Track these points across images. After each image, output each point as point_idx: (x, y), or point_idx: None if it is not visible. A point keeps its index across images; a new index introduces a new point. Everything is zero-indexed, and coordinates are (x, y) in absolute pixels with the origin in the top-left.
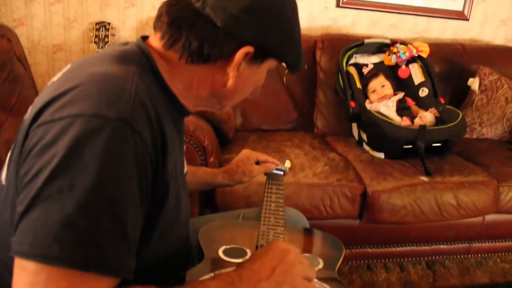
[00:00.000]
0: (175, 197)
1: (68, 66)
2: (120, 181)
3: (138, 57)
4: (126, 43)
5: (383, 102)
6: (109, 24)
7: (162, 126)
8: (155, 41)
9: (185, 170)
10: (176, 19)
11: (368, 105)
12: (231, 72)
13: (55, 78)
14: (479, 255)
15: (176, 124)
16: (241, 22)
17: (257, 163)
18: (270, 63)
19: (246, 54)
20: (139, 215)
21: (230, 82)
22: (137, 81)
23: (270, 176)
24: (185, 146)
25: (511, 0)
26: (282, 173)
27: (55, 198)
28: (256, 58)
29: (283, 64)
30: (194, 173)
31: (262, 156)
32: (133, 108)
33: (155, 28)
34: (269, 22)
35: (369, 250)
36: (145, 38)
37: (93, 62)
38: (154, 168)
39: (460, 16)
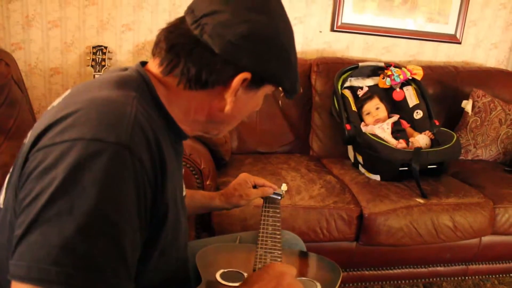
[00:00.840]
0: (174, 220)
1: (68, 91)
2: (119, 204)
3: (138, 82)
4: (125, 69)
5: (378, 124)
6: (106, 48)
7: (161, 150)
8: (154, 66)
9: (184, 193)
10: (174, 45)
11: (363, 128)
12: (229, 98)
13: (55, 103)
14: (477, 277)
15: (174, 147)
16: (238, 49)
17: (255, 187)
18: (267, 89)
19: (244, 80)
20: (138, 238)
21: (227, 108)
22: (137, 106)
23: (267, 199)
24: (183, 170)
25: (501, 24)
26: (279, 197)
27: (54, 221)
28: (254, 84)
29: (280, 89)
30: (191, 197)
31: (260, 180)
32: (133, 133)
33: (154, 54)
34: (267, 49)
35: (367, 272)
36: (144, 63)
37: (92, 87)
38: (153, 191)
39: (452, 39)
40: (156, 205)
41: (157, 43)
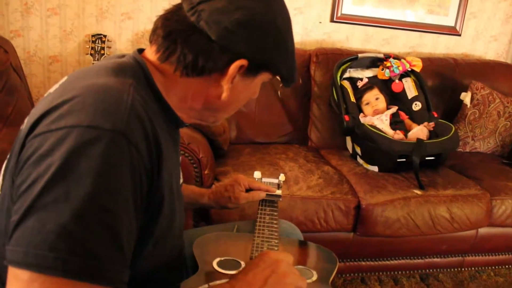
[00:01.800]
0: (169, 208)
1: (65, 78)
2: (116, 191)
3: (134, 69)
4: (123, 56)
5: (377, 116)
6: (105, 36)
7: (158, 138)
8: (151, 54)
9: (180, 181)
10: (171, 32)
11: (362, 119)
12: (225, 85)
13: (51, 90)
14: (473, 268)
15: (171, 135)
16: (235, 36)
17: (249, 190)
18: (264, 76)
19: (240, 67)
20: (133, 225)
21: (224, 95)
22: (133, 93)
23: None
24: (180, 158)
25: (501, 16)
26: (278, 198)
27: (50, 207)
28: (250, 71)
29: (277, 77)
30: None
31: (255, 184)
32: (129, 120)
33: (151, 41)
34: (263, 36)
35: (363, 263)
36: (141, 50)
37: (89, 74)
38: (149, 178)
39: (452, 31)
40: (152, 192)
41: (154, 30)
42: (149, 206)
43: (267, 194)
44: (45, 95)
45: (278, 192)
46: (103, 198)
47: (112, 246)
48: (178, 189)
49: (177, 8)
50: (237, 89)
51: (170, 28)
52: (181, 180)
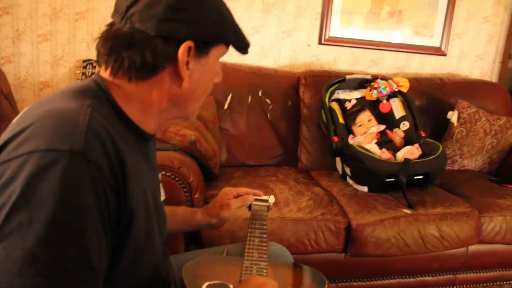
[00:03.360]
0: (146, 223)
1: (26, 108)
2: (80, 211)
3: (94, 90)
4: (84, 79)
5: (365, 135)
6: (96, 62)
7: (121, 154)
8: (104, 73)
9: (162, 197)
10: (112, 47)
11: (351, 140)
12: (182, 72)
13: (14, 120)
14: (465, 286)
15: (141, 150)
16: (170, 23)
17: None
18: (218, 51)
19: (189, 49)
20: (103, 243)
21: (184, 82)
22: (91, 113)
23: (254, 211)
24: (160, 176)
25: (485, 37)
26: (265, 204)
27: (15, 233)
28: (200, 50)
29: (231, 46)
30: (173, 211)
31: (242, 190)
32: (87, 139)
33: (99, 64)
34: (197, 12)
35: (355, 283)
36: None
37: (49, 101)
38: (116, 195)
39: (438, 52)
40: (121, 208)
41: (98, 53)
42: (120, 222)
43: (255, 199)
44: (10, 124)
45: (265, 197)
46: (67, 218)
47: (82, 265)
48: (157, 205)
49: (110, 26)
50: (195, 73)
51: (109, 45)
52: (163, 197)
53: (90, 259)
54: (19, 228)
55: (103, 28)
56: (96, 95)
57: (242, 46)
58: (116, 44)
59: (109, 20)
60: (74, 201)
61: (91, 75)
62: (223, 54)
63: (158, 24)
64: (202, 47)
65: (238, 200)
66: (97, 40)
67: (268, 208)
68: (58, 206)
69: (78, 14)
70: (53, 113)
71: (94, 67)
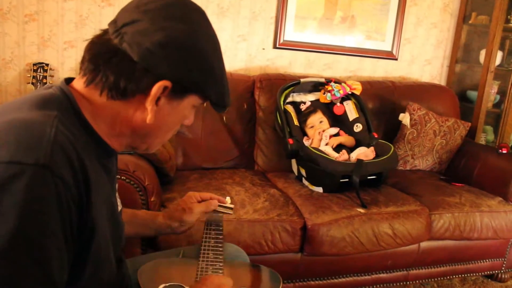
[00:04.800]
0: (104, 237)
1: None
2: (42, 225)
3: (60, 100)
4: (50, 87)
5: (319, 137)
6: (47, 65)
7: (85, 168)
8: (79, 80)
9: (119, 208)
10: (94, 55)
11: (306, 142)
12: (149, 106)
13: None
14: (417, 281)
15: (103, 164)
16: (156, 57)
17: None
18: (193, 100)
19: (164, 88)
20: (64, 257)
21: (149, 117)
22: (57, 125)
23: (210, 215)
24: (120, 186)
25: (433, 42)
26: (229, 212)
27: None
28: (175, 93)
29: (207, 101)
30: (133, 215)
31: (205, 195)
32: (52, 153)
33: (80, 68)
34: (185, 57)
35: (312, 282)
36: (69, 80)
37: (12, 109)
38: (78, 208)
39: (389, 56)
40: (83, 221)
41: (83, 56)
42: (81, 236)
43: (219, 205)
44: None
45: (230, 205)
46: (30, 233)
47: (43, 280)
48: (115, 218)
49: (103, 33)
50: (163, 112)
51: (94, 52)
52: (120, 207)
53: (51, 273)
54: None
55: (54, 31)
56: (61, 106)
57: (220, 104)
58: (99, 53)
59: (60, 23)
60: (37, 215)
61: (42, 79)
62: (198, 103)
63: (143, 53)
64: (179, 91)
65: (201, 204)
66: (87, 42)
67: (231, 210)
68: (20, 220)
69: (28, 16)
70: (18, 123)
71: (45, 71)
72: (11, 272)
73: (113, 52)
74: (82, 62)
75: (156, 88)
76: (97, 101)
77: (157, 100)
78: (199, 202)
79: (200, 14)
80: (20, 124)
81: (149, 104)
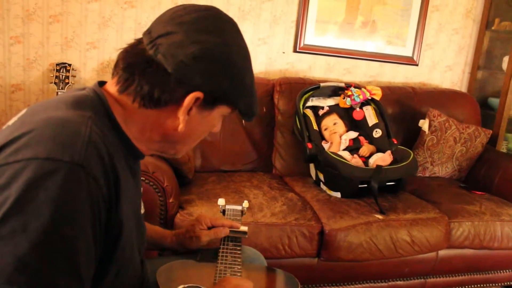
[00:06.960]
0: (129, 238)
1: (24, 111)
2: (74, 222)
3: (94, 102)
4: (83, 88)
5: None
6: (70, 65)
7: (116, 169)
8: (112, 85)
9: (142, 211)
10: (129, 64)
11: (325, 145)
12: (181, 116)
13: (10, 122)
14: None
15: (130, 166)
16: (190, 69)
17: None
18: (223, 110)
19: (196, 99)
20: (92, 255)
21: (180, 126)
22: (91, 126)
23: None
24: (142, 188)
25: (455, 48)
26: (243, 236)
27: (7, 239)
28: (207, 103)
29: (236, 111)
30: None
31: (217, 221)
32: (87, 152)
33: (113, 73)
34: (218, 70)
35: None
36: (102, 83)
37: (48, 107)
38: (107, 209)
39: (410, 61)
40: (111, 222)
41: (116, 63)
42: (108, 236)
43: (231, 231)
44: (3, 127)
45: (244, 228)
46: (62, 228)
47: (71, 276)
48: (138, 220)
49: (137, 42)
50: (194, 121)
51: (129, 61)
52: (143, 211)
53: (79, 270)
54: (12, 235)
55: (77, 32)
56: (95, 107)
57: (248, 114)
58: (134, 63)
59: (83, 24)
60: (69, 212)
61: (64, 79)
62: (227, 113)
63: (178, 65)
64: (210, 102)
65: (210, 232)
66: (120, 50)
67: (242, 212)
68: (54, 216)
69: (52, 17)
70: (54, 121)
71: (68, 71)
72: (40, 265)
73: (148, 63)
74: (116, 68)
75: (189, 99)
76: (129, 107)
77: (189, 110)
78: (209, 227)
79: (232, 26)
80: (56, 122)
81: (181, 114)
